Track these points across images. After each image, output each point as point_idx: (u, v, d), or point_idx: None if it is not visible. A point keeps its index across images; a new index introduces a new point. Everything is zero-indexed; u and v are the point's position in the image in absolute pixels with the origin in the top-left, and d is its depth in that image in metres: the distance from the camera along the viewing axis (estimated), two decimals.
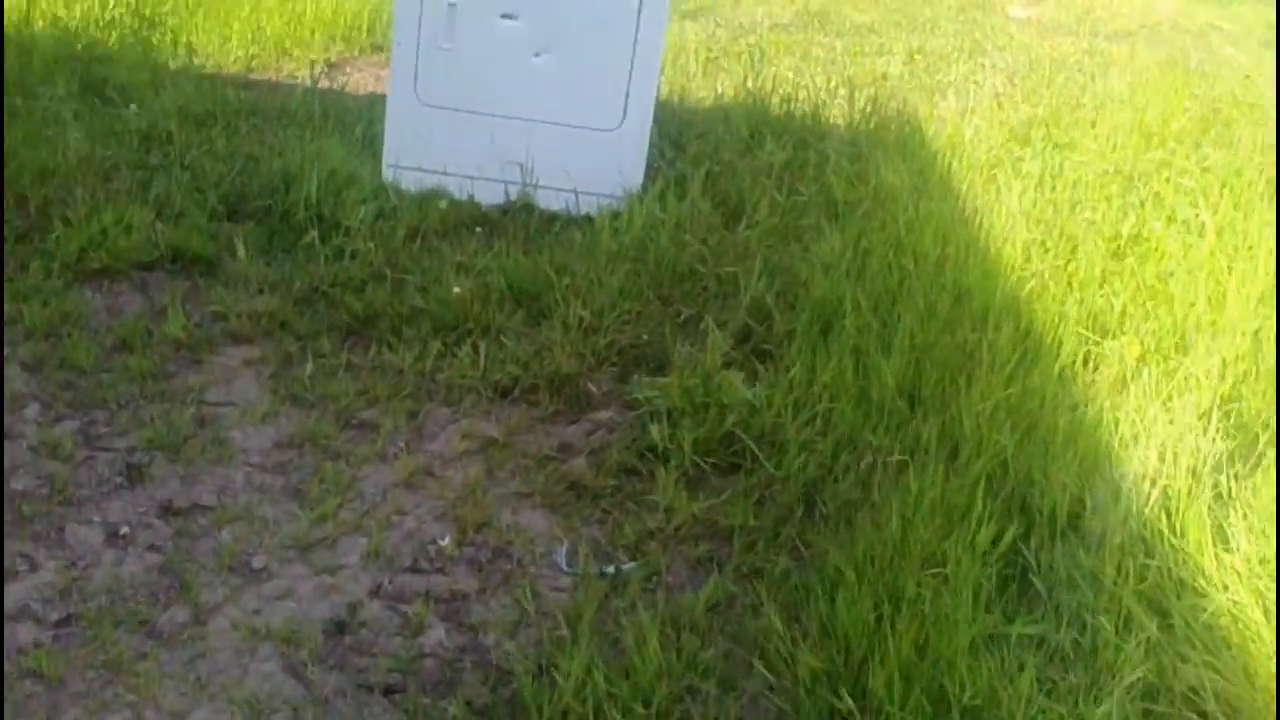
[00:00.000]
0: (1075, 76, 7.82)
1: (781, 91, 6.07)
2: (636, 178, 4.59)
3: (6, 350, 3.36)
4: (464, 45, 4.48)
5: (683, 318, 3.87)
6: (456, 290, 3.73)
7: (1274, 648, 2.43)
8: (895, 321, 3.66)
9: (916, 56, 7.69)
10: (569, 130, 4.57)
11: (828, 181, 4.77)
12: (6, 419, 3.08)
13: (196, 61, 6.10)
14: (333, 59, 6.46)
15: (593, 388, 3.48)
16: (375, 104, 5.22)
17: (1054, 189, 4.77)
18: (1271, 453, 3.08)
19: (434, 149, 4.59)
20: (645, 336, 3.72)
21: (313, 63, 6.30)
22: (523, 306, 3.82)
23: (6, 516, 2.74)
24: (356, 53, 6.60)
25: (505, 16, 4.46)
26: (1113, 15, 10.90)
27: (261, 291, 3.84)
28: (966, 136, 5.60)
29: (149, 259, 3.94)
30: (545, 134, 4.56)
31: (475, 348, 3.55)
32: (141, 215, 4.07)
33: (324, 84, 6.14)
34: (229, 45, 6.23)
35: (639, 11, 4.41)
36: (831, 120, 5.93)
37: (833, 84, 6.76)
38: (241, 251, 3.98)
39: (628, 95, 4.51)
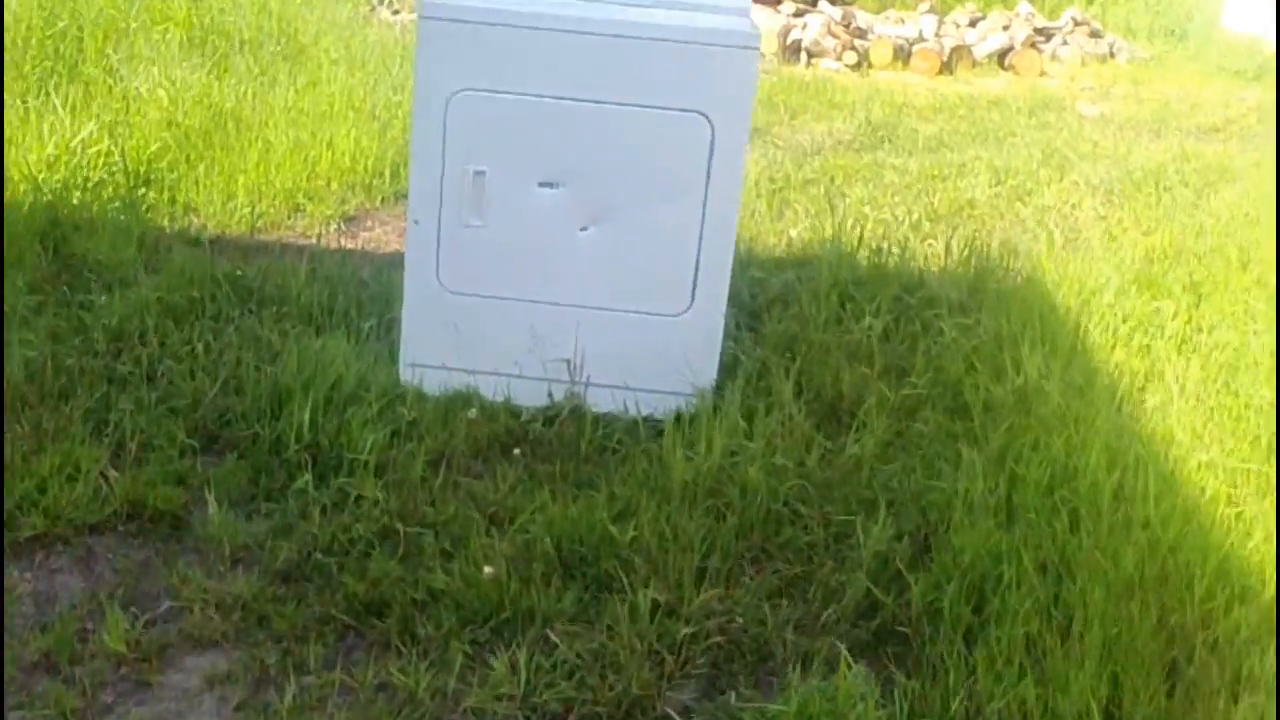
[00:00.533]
0: (1180, 191, 6.84)
1: (862, 231, 5.13)
2: (709, 373, 3.64)
3: None
4: (495, 220, 3.57)
5: (784, 581, 2.89)
6: (488, 570, 2.76)
7: None
8: (1075, 597, 2.65)
9: (1001, 176, 6.72)
10: (625, 317, 3.63)
11: (944, 366, 3.79)
12: None
13: (196, 223, 5.24)
14: (351, 211, 5.59)
15: (674, 716, 2.49)
16: (395, 268, 4.35)
17: (1230, 374, 3.76)
18: None
19: (461, 343, 3.67)
20: (739, 620, 2.73)
21: (328, 220, 5.42)
22: (575, 578, 2.85)
23: None
24: (378, 203, 5.72)
25: (544, 185, 3.55)
26: (1191, 108, 9.94)
27: (236, 564, 2.91)
28: (1088, 285, 4.62)
29: (98, 518, 3.02)
30: (596, 322, 3.63)
31: (513, 656, 2.57)
32: (93, 456, 3.16)
33: (340, 242, 5.27)
34: (234, 203, 5.37)
35: (708, 169, 3.48)
36: (926, 266, 4.97)
37: (915, 216, 5.81)
38: (214, 507, 3.04)
39: (697, 273, 3.57)
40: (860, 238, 5.09)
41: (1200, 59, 12.24)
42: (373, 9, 11.13)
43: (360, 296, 4.30)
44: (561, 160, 3.53)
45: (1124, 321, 4.29)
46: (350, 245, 5.30)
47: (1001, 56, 11.56)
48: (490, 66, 3.47)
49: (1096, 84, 10.96)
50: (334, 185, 5.73)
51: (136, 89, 6.16)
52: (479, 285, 3.64)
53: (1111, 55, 12.20)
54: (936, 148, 7.71)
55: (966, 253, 4.99)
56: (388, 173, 5.87)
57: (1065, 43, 12.20)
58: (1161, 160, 7.56)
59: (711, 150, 3.48)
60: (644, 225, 3.56)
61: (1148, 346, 4.14)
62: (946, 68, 11.06)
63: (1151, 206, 6.35)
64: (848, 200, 6.01)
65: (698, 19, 3.66)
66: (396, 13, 11.01)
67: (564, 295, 3.63)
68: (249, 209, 5.37)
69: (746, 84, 3.46)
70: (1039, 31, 12.17)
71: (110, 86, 6.22)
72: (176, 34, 7.31)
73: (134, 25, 7.25)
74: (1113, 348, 4.00)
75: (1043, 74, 11.39)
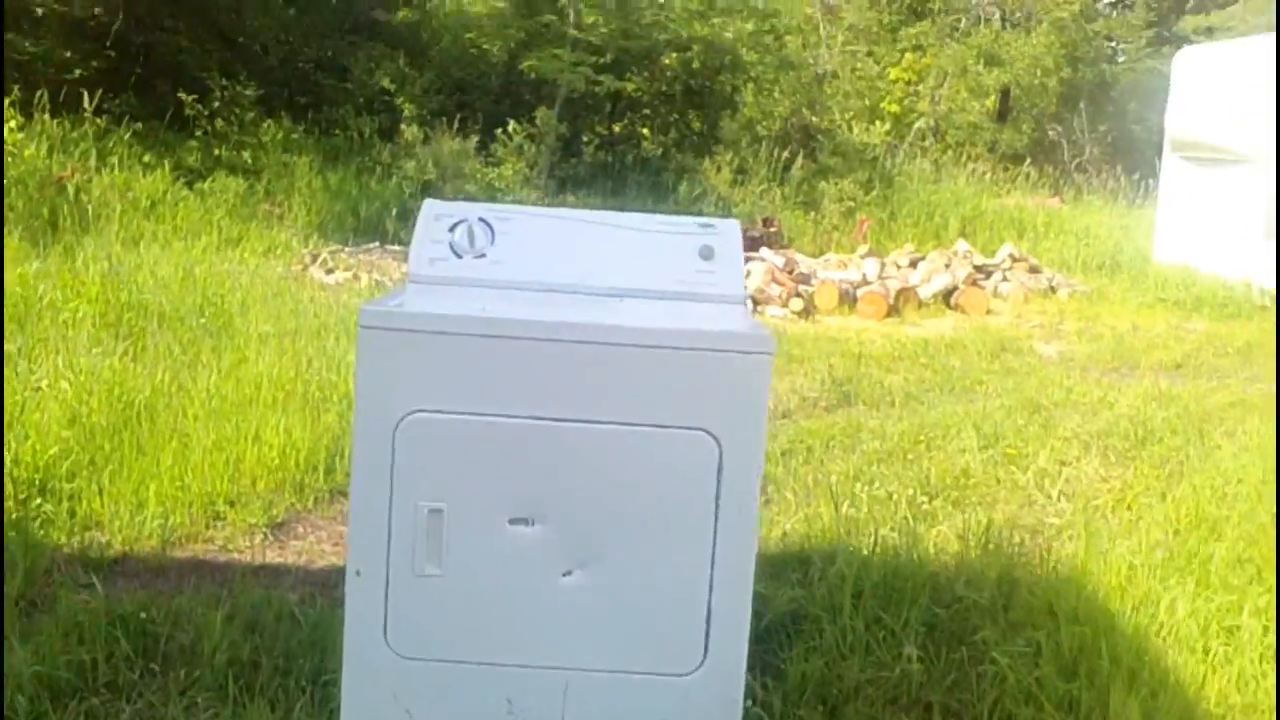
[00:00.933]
0: (1173, 441, 6.32)
1: (862, 517, 4.48)
2: None
3: None
4: (456, 568, 2.83)
5: None
6: None
7: None
8: None
9: (988, 438, 6.16)
10: (623, 680, 2.87)
11: (1009, 713, 3.06)
12: None
13: (99, 541, 4.43)
14: (279, 516, 4.82)
15: None
16: (331, 593, 3.59)
17: None
18: None
19: (417, 718, 2.87)
20: None
21: (252, 529, 4.64)
22: None
23: None
24: (310, 504, 4.96)
25: (517, 522, 2.83)
26: (1147, 346, 9.62)
27: None
28: (1136, 586, 3.96)
29: None
30: (587, 688, 2.86)
31: None
32: None
33: (266, 556, 4.49)
34: (144, 514, 4.58)
35: (717, 497, 2.80)
36: (938, 557, 4.30)
37: (911, 492, 5.17)
38: None
39: (709, 622, 2.85)
40: (861, 527, 4.44)
41: (1138, 290, 12.12)
42: (305, 268, 10.62)
43: (290, 644, 3.50)
44: (537, 493, 2.84)
45: (1196, 628, 3.62)
46: (278, 559, 4.51)
47: (946, 295, 11.31)
48: (447, 382, 2.81)
49: (1044, 320, 10.70)
50: (260, 486, 4.98)
51: (36, 383, 5.42)
52: (438, 648, 2.87)
53: (1053, 290, 12.03)
54: (907, 402, 7.18)
55: (984, 541, 4.35)
56: (321, 468, 5.14)
57: (1005, 279, 12.03)
58: (1140, 408, 7.09)
59: (720, 474, 2.81)
60: (641, 567, 2.85)
61: (1229, 659, 3.46)
62: (894, 310, 10.75)
63: (1155, 465, 5.79)
64: (834, 477, 5.36)
65: (690, 316, 3.06)
66: (330, 271, 10.51)
67: (545, 656, 2.87)
68: (161, 520, 4.58)
69: (758, 394, 2.82)
70: (979, 269, 12.01)
71: (6, 380, 5.48)
72: (88, 313, 6.64)
73: (40, 305, 6.58)
74: (1203, 679, 3.31)
75: (989, 311, 11.13)
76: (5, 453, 4.77)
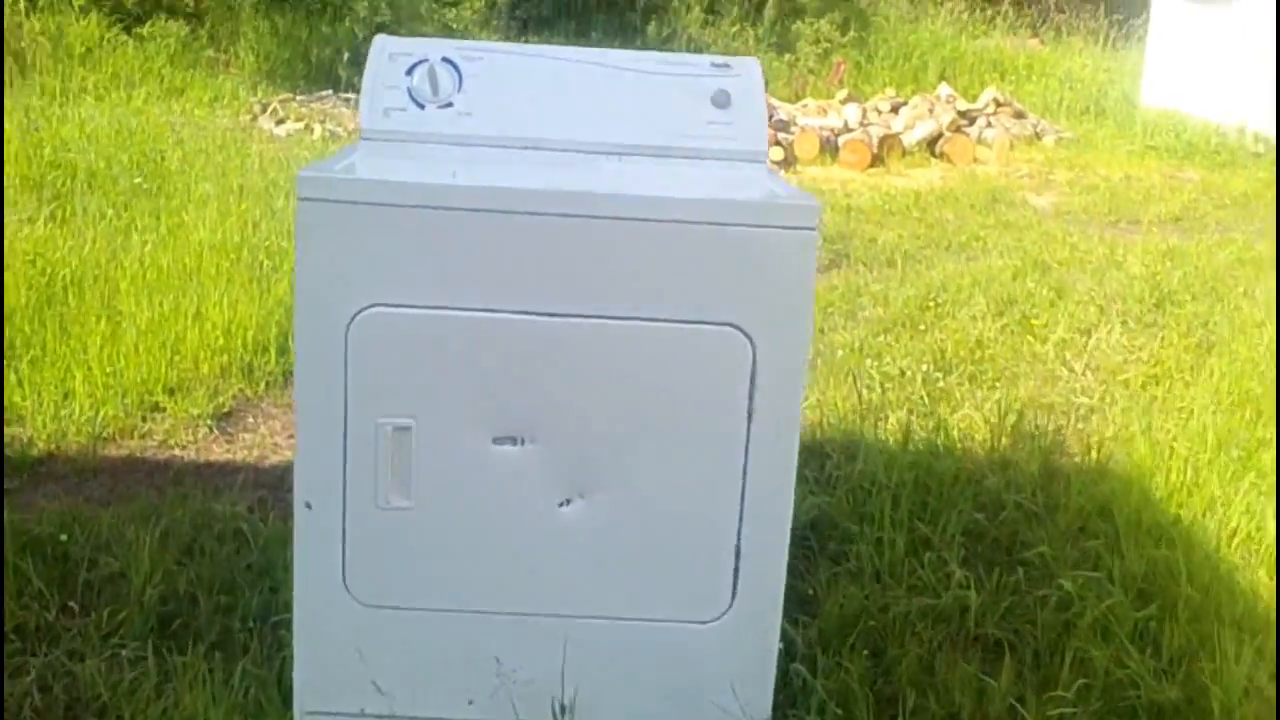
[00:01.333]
0: (1194, 307, 5.79)
1: (876, 399, 3.96)
2: (762, 704, 2.34)
3: None
4: (429, 497, 2.25)
5: None
6: None
7: None
8: None
9: (1000, 304, 5.60)
10: (633, 628, 2.33)
11: (1087, 654, 2.56)
12: None
13: (20, 439, 3.82)
14: (226, 405, 4.21)
15: None
16: (291, 492, 3.02)
17: None
18: None
19: (387, 679, 2.33)
20: None
21: (195, 421, 4.04)
22: None
23: None
24: (262, 390, 4.35)
25: (503, 441, 2.24)
26: (1143, 197, 9.05)
27: None
28: (1205, 489, 3.45)
29: None
30: (590, 638, 2.32)
31: None
32: None
33: (212, 452, 3.90)
34: (71, 406, 3.96)
35: (749, 409, 2.22)
36: (970, 449, 3.77)
37: (925, 367, 4.63)
38: None
39: (738, 559, 2.30)
40: (876, 411, 3.90)
41: (1126, 137, 11.47)
42: (254, 119, 9.76)
43: (234, 573, 2.93)
44: (527, 406, 2.24)
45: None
46: (225, 455, 3.93)
47: (931, 143, 10.63)
48: (411, 269, 2.18)
49: (1032, 169, 10.07)
50: (204, 370, 4.35)
51: None
52: (408, 595, 2.31)
53: (1038, 136, 11.37)
54: (905, 261, 6.59)
55: (1014, 427, 3.83)
56: (273, 348, 4.51)
57: (990, 125, 11.34)
58: (1150, 268, 6.53)
59: (753, 381, 2.22)
60: (655, 495, 2.28)
61: None
62: (878, 159, 10.07)
63: (1180, 333, 5.27)
64: (839, 352, 4.80)
65: (707, 180, 2.44)
66: (281, 122, 9.66)
67: (539, 603, 2.32)
68: (91, 413, 3.96)
69: (802, 280, 2.21)
70: (962, 115, 11.30)
71: None
72: (7, 173, 5.86)
73: None
74: None
75: (975, 160, 10.48)
76: None
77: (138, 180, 6.31)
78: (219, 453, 3.94)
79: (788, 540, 2.31)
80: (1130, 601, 2.73)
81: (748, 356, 2.21)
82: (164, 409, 4.10)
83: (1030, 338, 5.14)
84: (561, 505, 2.28)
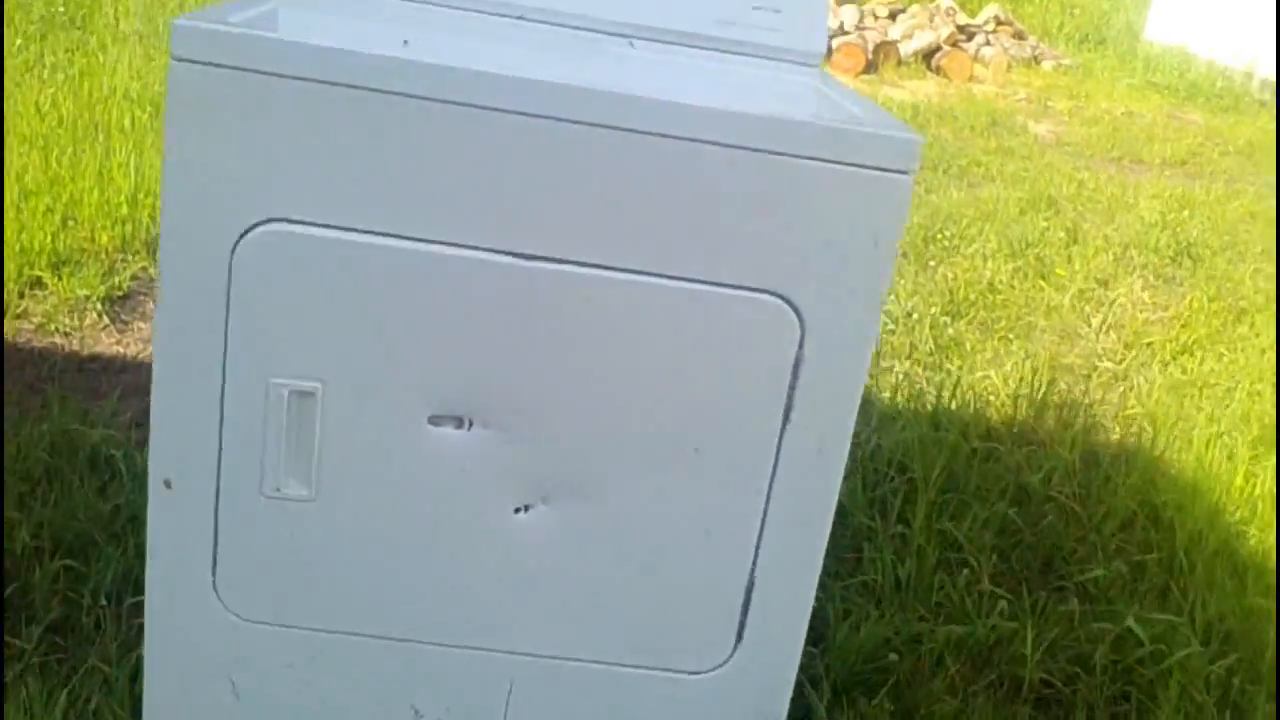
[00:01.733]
0: (1215, 263, 5.22)
1: (882, 345, 3.36)
2: None
3: None
4: (336, 487, 1.60)
5: None
6: None
7: None
8: None
9: (1013, 244, 4.98)
10: (599, 676, 1.72)
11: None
12: None
13: None
14: (123, 286, 3.50)
15: None
16: None
17: None
18: None
19: (264, 715, 1.71)
20: None
21: (84, 302, 3.33)
22: None
23: None
24: None
25: (441, 420, 1.59)
26: (1146, 136, 8.41)
27: None
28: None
29: None
30: (540, 684, 1.71)
31: None
32: None
33: (100, 342, 3.22)
34: None
35: (788, 405, 1.59)
36: (991, 420, 3.19)
37: (934, 310, 4.02)
38: None
39: (749, 590, 1.68)
40: (883, 361, 3.30)
41: (1126, 70, 10.79)
42: None
43: (92, 530, 2.27)
44: (482, 375, 1.58)
45: None
46: (115, 348, 3.24)
47: (927, 56, 9.89)
48: (333, 174, 1.49)
49: (1030, 94, 9.40)
50: (102, 240, 3.62)
51: None
52: (299, 609, 1.68)
53: (1036, 60, 10.67)
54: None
55: (1038, 396, 3.25)
56: None
57: (989, 43, 10.60)
58: (1163, 214, 5.94)
59: (796, 370, 1.58)
60: (645, 504, 1.65)
61: None
62: (871, 65, 9.33)
63: (1203, 290, 4.70)
64: None
65: (757, 85, 1.77)
66: None
67: (479, 634, 1.70)
68: None
69: (881, 243, 1.56)
70: (961, 30, 10.54)
71: None
72: None
73: None
74: None
75: (972, 78, 9.77)
76: None
77: (58, 10, 5.44)
78: (107, 344, 3.26)
79: (816, 580, 1.70)
80: (1198, 638, 2.18)
81: (792, 337, 1.57)
82: (47, 286, 3.38)
83: (1043, 283, 4.54)
84: (518, 511, 1.64)
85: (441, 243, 1.51)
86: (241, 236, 1.50)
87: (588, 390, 1.59)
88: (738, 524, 1.65)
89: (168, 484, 1.62)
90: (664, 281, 1.54)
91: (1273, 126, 9.04)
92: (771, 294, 1.55)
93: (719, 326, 1.56)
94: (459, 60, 1.48)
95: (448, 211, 1.50)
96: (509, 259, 1.52)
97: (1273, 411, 3.42)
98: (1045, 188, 6.15)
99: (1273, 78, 9.98)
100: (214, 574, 1.66)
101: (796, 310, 1.56)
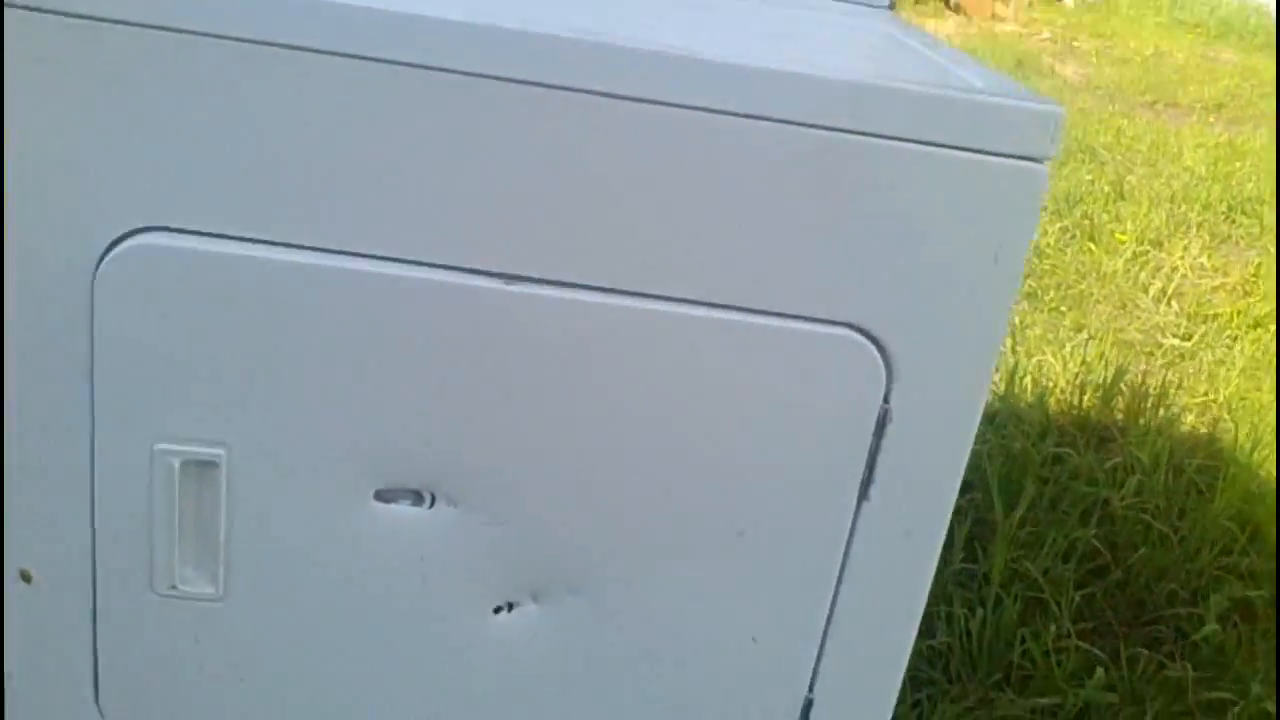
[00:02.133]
0: (1270, 220, 4.75)
1: None
2: None
3: None
4: (255, 583, 1.16)
5: None
6: None
7: None
8: None
9: (1058, 201, 4.51)
10: None
11: None
12: None
13: None
14: None
15: None
16: None
17: None
18: None
19: None
20: None
21: None
22: None
23: None
24: None
25: (391, 496, 1.14)
26: (1180, 77, 7.88)
27: None
28: None
29: None
30: None
31: None
32: None
33: None
34: None
35: (868, 476, 1.14)
36: (1049, 412, 2.74)
37: None
38: None
39: (806, 715, 1.25)
40: None
41: (1153, 7, 10.21)
42: None
43: None
44: (447, 438, 1.14)
45: None
46: None
47: None
48: (231, 166, 1.03)
49: (1055, 34, 8.84)
50: None
51: None
52: None
53: None
54: None
55: (1103, 385, 2.80)
56: None
57: None
58: (1211, 164, 5.45)
59: (881, 427, 1.14)
60: (671, 603, 1.21)
61: None
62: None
63: (1269, 257, 4.23)
64: None
65: (818, 44, 1.31)
66: None
67: None
68: None
69: (1005, 259, 1.10)
70: None
71: None
72: None
73: None
74: None
75: (993, 15, 9.21)
76: None
77: None
78: None
79: (894, 700, 1.26)
80: None
81: (876, 385, 1.12)
82: None
83: (1092, 245, 4.07)
84: (497, 611, 1.21)
85: (388, 259, 1.06)
86: (106, 252, 1.05)
87: (594, 453, 1.15)
88: (793, 630, 1.21)
89: (25, 577, 1.18)
90: (699, 311, 1.09)
91: None
92: (848, 326, 1.10)
93: (775, 370, 1.11)
94: (420, 8, 1.01)
95: (398, 215, 1.05)
96: (485, 281, 1.07)
97: None
98: (1083, 136, 5.65)
99: None
100: (95, 686, 1.23)
101: (882, 349, 1.11)
